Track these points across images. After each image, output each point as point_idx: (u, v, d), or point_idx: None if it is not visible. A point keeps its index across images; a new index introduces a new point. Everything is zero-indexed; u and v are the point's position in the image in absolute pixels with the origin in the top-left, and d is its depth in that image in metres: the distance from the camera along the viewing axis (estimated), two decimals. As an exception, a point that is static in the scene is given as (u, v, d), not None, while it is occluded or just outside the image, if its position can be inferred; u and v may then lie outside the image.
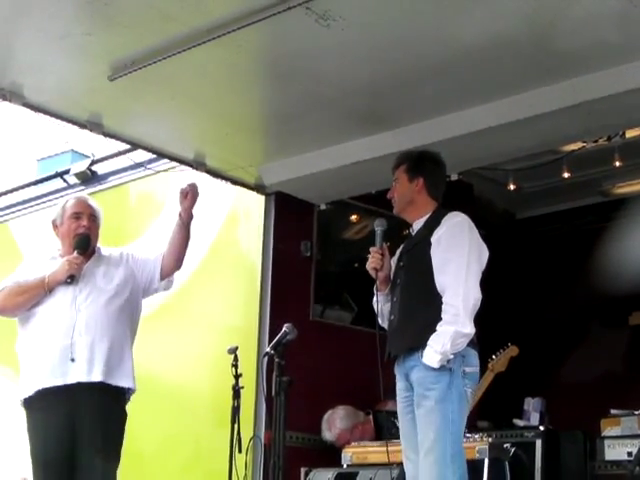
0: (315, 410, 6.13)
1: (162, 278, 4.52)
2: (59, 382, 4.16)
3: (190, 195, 4.48)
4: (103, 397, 4.21)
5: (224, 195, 6.67)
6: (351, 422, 6.00)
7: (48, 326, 4.26)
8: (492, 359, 5.48)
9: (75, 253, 4.33)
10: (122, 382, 4.28)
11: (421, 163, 4.08)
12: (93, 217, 4.49)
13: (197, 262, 6.75)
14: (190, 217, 4.48)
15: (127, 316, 4.42)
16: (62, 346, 4.19)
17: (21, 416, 4.35)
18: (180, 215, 4.48)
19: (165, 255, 4.51)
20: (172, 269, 4.55)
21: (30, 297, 4.30)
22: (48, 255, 4.52)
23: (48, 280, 4.28)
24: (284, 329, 4.21)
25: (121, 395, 4.32)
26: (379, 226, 4.06)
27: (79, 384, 4.16)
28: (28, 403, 4.26)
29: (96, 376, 4.18)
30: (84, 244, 4.39)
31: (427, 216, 3.98)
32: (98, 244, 4.57)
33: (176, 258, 4.52)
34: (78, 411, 4.15)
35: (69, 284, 4.28)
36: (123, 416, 4.34)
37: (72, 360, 4.17)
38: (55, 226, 4.52)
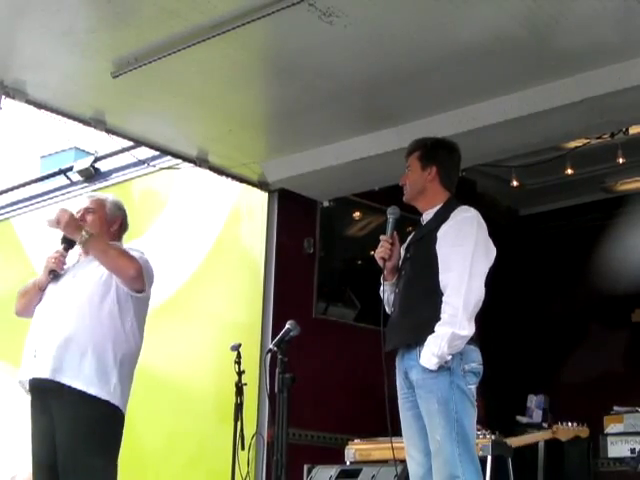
0: (318, 407, 6.13)
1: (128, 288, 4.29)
2: (25, 376, 4.16)
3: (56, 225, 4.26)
4: (67, 397, 4.06)
5: (227, 192, 6.67)
6: None
7: (33, 323, 4.28)
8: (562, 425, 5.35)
9: (61, 248, 4.34)
10: (77, 384, 4.04)
11: (436, 151, 3.97)
12: (90, 210, 4.43)
13: (200, 259, 6.76)
14: (74, 235, 4.23)
15: (106, 316, 4.17)
16: (33, 343, 4.19)
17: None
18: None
19: None
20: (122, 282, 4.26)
21: (30, 297, 4.34)
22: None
23: (38, 279, 4.33)
24: (287, 326, 4.21)
25: (94, 402, 4.08)
26: (392, 214, 3.95)
27: (52, 382, 4.05)
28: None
29: (69, 379, 4.04)
30: (67, 238, 4.34)
31: (438, 207, 3.89)
32: None
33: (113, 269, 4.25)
34: (50, 409, 4.08)
35: (53, 280, 4.29)
36: (93, 416, 4.07)
37: (34, 357, 4.13)
38: None
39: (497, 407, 6.13)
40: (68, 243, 4.34)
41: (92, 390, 4.05)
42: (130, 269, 4.14)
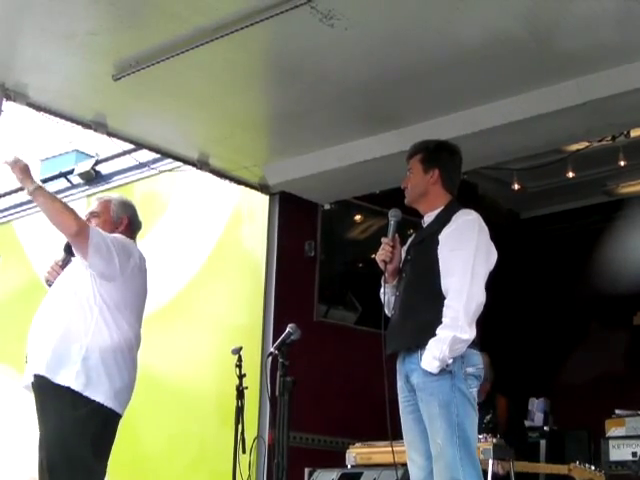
0: (319, 410, 6.12)
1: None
2: (26, 382, 4.18)
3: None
4: (38, 389, 4.11)
5: (228, 195, 6.67)
6: None
7: None
8: None
9: (60, 259, 4.38)
10: (50, 374, 4.05)
11: (438, 154, 3.95)
12: (94, 214, 4.44)
13: (201, 262, 6.76)
14: (23, 183, 4.17)
15: (75, 308, 4.16)
16: (26, 351, 4.23)
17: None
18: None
19: None
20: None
21: None
22: None
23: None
24: (288, 329, 4.20)
25: (47, 387, 4.08)
26: (393, 216, 3.92)
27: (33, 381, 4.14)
28: None
29: (35, 369, 4.09)
30: (66, 247, 4.37)
31: (439, 210, 3.87)
32: None
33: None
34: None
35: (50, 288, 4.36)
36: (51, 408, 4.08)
37: (26, 362, 4.20)
38: None
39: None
40: (68, 253, 4.35)
41: (56, 379, 4.03)
42: (73, 225, 4.08)
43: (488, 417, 5.43)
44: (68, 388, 4.02)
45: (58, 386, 4.03)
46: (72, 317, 4.13)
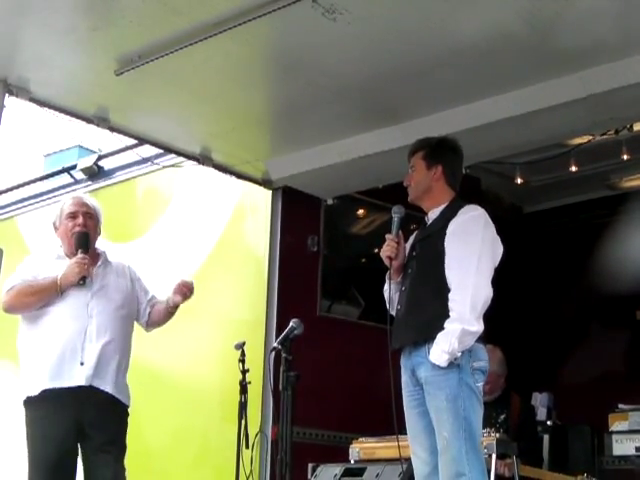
0: (322, 405, 6.12)
1: (146, 325, 4.67)
2: (66, 384, 4.20)
3: (185, 293, 4.55)
4: (110, 406, 4.29)
5: (231, 190, 6.66)
6: None
7: (59, 328, 4.28)
8: None
9: (79, 253, 4.36)
10: (125, 400, 4.38)
11: (440, 150, 3.97)
12: (89, 215, 4.51)
13: (204, 257, 6.75)
14: (176, 308, 4.61)
15: (129, 331, 4.52)
16: (72, 349, 4.23)
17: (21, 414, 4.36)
18: (168, 303, 4.58)
19: (153, 312, 4.63)
20: (150, 327, 4.70)
21: (41, 298, 4.32)
22: (53, 254, 4.53)
23: (60, 282, 4.30)
24: (291, 324, 4.20)
25: (124, 411, 4.40)
26: (397, 213, 3.94)
27: (88, 387, 4.21)
28: (31, 402, 4.28)
29: (106, 386, 4.27)
30: (84, 242, 4.41)
31: (443, 206, 3.89)
32: (104, 248, 4.62)
33: (156, 323, 4.70)
34: (85, 414, 4.20)
35: (81, 286, 4.32)
36: (125, 427, 4.41)
37: (81, 364, 4.23)
38: (55, 228, 4.57)
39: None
40: (84, 247, 4.39)
41: (119, 396, 4.33)
42: None
43: (502, 417, 5.41)
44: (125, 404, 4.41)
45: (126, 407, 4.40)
46: (127, 337, 4.51)
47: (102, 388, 4.24)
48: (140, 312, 4.60)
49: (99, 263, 4.47)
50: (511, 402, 5.59)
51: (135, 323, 4.59)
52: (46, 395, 4.19)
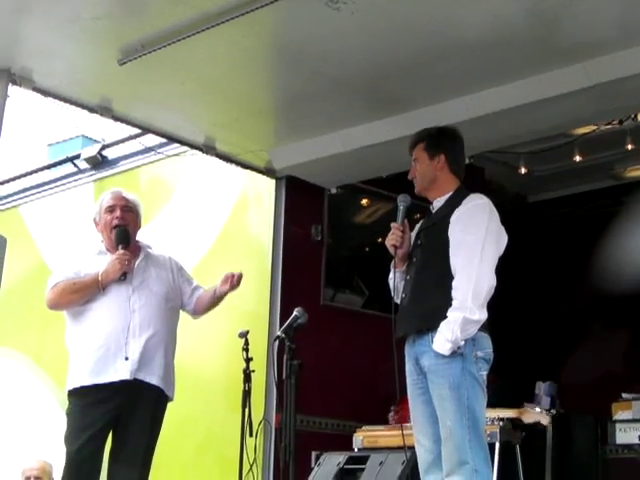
0: (326, 394, 6.13)
1: (193, 313, 4.75)
2: (110, 379, 4.26)
3: (232, 284, 4.63)
4: (154, 400, 4.39)
5: (234, 179, 6.66)
6: None
7: (102, 323, 4.35)
8: None
9: (120, 249, 4.40)
10: (170, 392, 4.49)
11: (441, 139, 3.98)
12: (127, 208, 4.58)
13: (208, 246, 6.76)
14: (222, 298, 4.69)
15: (173, 322, 4.59)
16: (117, 344, 4.30)
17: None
18: (215, 292, 4.67)
19: (198, 301, 4.70)
20: (196, 315, 4.79)
21: (84, 295, 4.38)
22: (95, 250, 4.60)
23: (102, 279, 4.36)
24: (295, 313, 4.21)
25: (165, 403, 4.49)
26: (402, 202, 3.96)
27: (132, 381, 4.28)
28: (74, 394, 4.35)
29: (153, 379, 4.35)
30: (123, 236, 4.47)
31: (449, 195, 3.90)
32: (144, 241, 4.68)
33: (203, 311, 4.78)
34: (127, 407, 4.28)
35: (122, 281, 4.37)
36: (162, 421, 4.50)
37: (126, 359, 4.29)
38: (95, 223, 4.63)
39: (506, 394, 6.12)
40: (124, 242, 4.43)
41: (165, 389, 4.42)
42: None
43: None
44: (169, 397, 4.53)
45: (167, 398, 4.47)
46: (172, 330, 4.62)
47: (147, 380, 4.32)
48: (184, 302, 4.66)
49: (140, 257, 4.53)
50: None
51: (181, 312, 4.66)
52: (90, 388, 4.27)
